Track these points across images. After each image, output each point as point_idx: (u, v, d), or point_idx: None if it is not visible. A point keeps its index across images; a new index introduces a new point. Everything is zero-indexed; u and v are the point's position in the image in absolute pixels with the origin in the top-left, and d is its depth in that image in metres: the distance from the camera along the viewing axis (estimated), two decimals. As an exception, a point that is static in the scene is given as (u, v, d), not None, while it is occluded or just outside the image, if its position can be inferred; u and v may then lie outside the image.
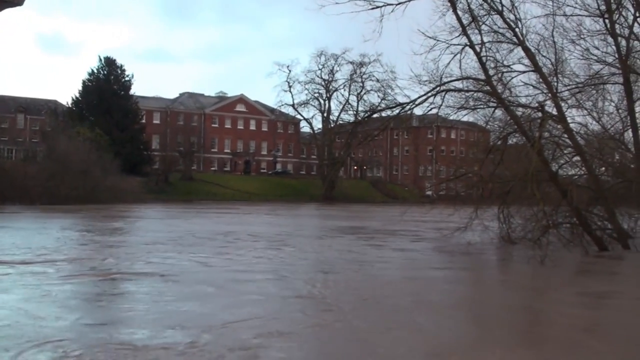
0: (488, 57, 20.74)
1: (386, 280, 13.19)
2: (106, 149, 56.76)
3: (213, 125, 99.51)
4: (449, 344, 7.54)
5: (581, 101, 22.58)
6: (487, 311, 10.21)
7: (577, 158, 20.94)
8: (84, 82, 72.22)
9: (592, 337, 8.46)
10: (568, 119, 20.83)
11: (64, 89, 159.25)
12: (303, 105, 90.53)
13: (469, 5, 20.38)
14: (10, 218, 31.21)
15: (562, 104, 20.72)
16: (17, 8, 11.26)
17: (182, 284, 11.40)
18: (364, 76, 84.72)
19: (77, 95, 72.06)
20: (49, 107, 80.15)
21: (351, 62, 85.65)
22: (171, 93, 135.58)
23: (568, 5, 20.94)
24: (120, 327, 7.91)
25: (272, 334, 7.58)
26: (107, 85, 71.35)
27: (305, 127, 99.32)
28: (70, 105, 72.74)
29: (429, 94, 20.32)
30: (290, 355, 6.82)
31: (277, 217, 42.06)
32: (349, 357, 6.85)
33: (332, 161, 76.65)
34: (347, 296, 10.87)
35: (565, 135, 20.46)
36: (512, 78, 21.76)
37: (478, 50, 20.38)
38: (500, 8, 20.36)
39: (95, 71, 72.48)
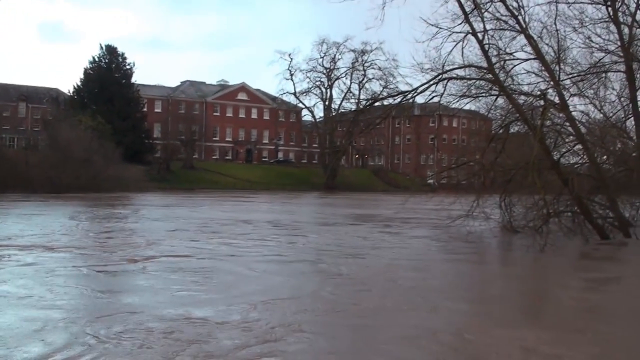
0: (490, 45, 20.67)
1: (403, 264, 13.78)
2: (108, 138, 56.77)
3: (215, 113, 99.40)
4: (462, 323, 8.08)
5: (583, 89, 22.52)
6: (493, 294, 10.71)
7: (579, 146, 20.90)
8: (85, 70, 72.27)
9: (595, 319, 8.66)
10: (570, 107, 20.77)
11: (66, 78, 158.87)
12: (305, 94, 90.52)
13: (471, -7, 20.28)
14: (27, 205, 31.35)
15: (564, 92, 20.65)
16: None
17: (220, 270, 11.85)
18: (366, 64, 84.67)
19: (79, 83, 72.10)
20: (51, 96, 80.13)
21: (353, 50, 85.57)
22: (172, 81, 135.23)
23: (571, -7, 20.84)
24: (198, 306, 8.41)
25: (314, 311, 8.41)
26: (108, 73, 71.31)
27: (307, 116, 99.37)
28: (71, 94, 72.76)
29: (431, 82, 20.26)
30: (330, 330, 7.48)
31: (287, 205, 42.88)
32: (379, 331, 7.50)
33: (334, 150, 76.58)
34: (374, 278, 11.53)
35: (567, 124, 20.42)
36: (515, 66, 21.72)
37: (480, 38, 20.29)
38: (503, -5, 20.26)
39: (97, 59, 72.48)
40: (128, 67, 73.64)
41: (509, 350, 6.73)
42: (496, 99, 22.13)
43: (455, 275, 12.84)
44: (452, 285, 11.46)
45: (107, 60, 72.45)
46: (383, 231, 21.97)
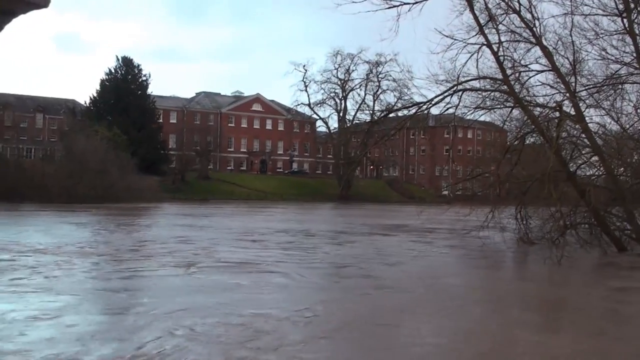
0: (505, 57, 20.70)
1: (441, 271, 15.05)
2: (123, 148, 57.19)
3: (229, 124, 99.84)
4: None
5: (599, 101, 22.42)
6: (516, 301, 11.31)
7: (596, 158, 20.84)
8: (101, 81, 72.95)
9: (614, 325, 8.94)
10: (586, 118, 20.71)
11: (82, 89, 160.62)
12: (319, 105, 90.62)
13: (486, 4, 20.35)
14: (67, 215, 31.93)
15: (580, 104, 20.60)
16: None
17: (279, 274, 13.05)
18: (380, 75, 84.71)
19: (95, 94, 72.76)
20: (67, 107, 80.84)
21: (367, 62, 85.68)
22: (187, 92, 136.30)
23: (586, 5, 20.79)
24: (278, 303, 9.78)
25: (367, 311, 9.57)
26: (124, 84, 71.94)
27: (321, 127, 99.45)
28: (88, 105, 73.40)
29: (446, 94, 20.31)
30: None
31: (310, 215, 44.04)
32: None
33: (349, 161, 76.64)
34: (413, 282, 12.77)
35: (584, 135, 20.36)
36: (530, 78, 21.72)
37: (495, 49, 20.33)
38: (517, 7, 20.30)
39: (113, 70, 73.16)
40: (144, 78, 74.28)
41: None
42: (511, 110, 22.16)
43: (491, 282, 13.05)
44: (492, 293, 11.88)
45: (123, 72, 73.11)
46: (416, 240, 22.93)
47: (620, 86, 22.60)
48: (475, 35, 20.28)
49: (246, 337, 7.46)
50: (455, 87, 20.33)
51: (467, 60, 20.55)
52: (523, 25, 20.42)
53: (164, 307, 8.99)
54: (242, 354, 6.74)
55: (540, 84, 22.00)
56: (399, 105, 65.35)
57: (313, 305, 9.66)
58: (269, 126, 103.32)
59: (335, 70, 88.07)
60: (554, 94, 21.66)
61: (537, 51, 20.81)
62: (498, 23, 20.50)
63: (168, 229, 25.55)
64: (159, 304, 9.32)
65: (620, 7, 20.66)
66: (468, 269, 16.06)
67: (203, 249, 17.60)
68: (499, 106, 22.17)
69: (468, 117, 23.01)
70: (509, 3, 20.34)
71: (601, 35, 21.38)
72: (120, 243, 18.81)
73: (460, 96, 20.63)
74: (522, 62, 21.18)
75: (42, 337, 7.22)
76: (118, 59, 73.63)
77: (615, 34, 21.54)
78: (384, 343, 7.47)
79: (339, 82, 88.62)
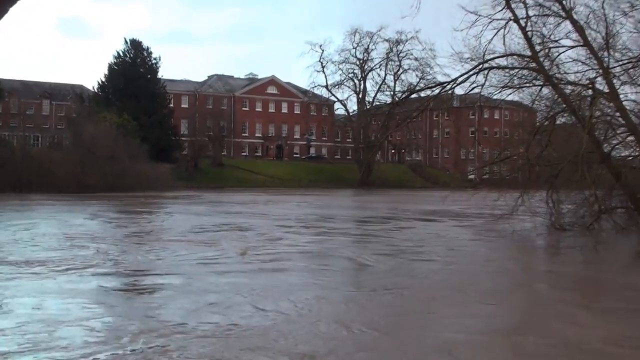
0: (534, 32, 20.47)
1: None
2: (133, 135, 57.50)
3: (243, 108, 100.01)
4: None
5: (635, 77, 22.06)
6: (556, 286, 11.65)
7: (631, 138, 20.53)
8: (110, 65, 73.17)
9: None
10: (621, 96, 20.40)
11: (89, 74, 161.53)
12: (337, 86, 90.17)
13: (512, -23, 20.10)
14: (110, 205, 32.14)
15: (614, 81, 20.29)
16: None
17: (344, 258, 14.05)
18: (401, 55, 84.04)
19: (103, 79, 73.06)
20: (75, 92, 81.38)
21: (387, 40, 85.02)
22: (200, 76, 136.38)
23: (620, -26, 20.46)
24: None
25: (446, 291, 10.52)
26: (133, 68, 72.18)
27: (339, 109, 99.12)
28: (96, 90, 73.79)
29: (471, 73, 20.19)
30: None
31: (342, 201, 45.08)
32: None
33: (369, 144, 76.43)
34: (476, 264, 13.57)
35: (618, 114, 20.09)
36: (560, 54, 21.40)
37: (523, 24, 20.11)
38: (546, -21, 20.04)
39: (122, 54, 73.37)
40: (153, 61, 74.44)
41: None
42: (541, 89, 21.91)
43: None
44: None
45: (131, 55, 73.32)
46: (461, 225, 23.54)
47: (657, 61, 22.26)
48: (502, 10, 20.10)
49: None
50: (480, 66, 20.18)
51: (493, 37, 20.39)
52: (552, -2, 20.15)
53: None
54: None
55: (571, 60, 21.68)
56: (422, 85, 65.12)
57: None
58: (284, 110, 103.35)
59: (354, 50, 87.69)
60: (586, 70, 21.35)
61: (567, 26, 20.54)
62: (526, -4, 20.25)
63: (221, 216, 26.74)
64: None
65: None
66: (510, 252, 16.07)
67: (263, 234, 18.60)
68: (527, 84, 21.96)
69: (495, 97, 22.84)
70: (537, -26, 20.09)
71: (636, 7, 21.02)
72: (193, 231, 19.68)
73: (486, 75, 20.49)
74: (552, 37, 20.91)
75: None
76: (126, 42, 73.88)
77: (652, 5, 21.18)
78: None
79: (357, 62, 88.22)
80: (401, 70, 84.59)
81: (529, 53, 20.23)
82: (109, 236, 18.49)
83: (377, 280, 11.12)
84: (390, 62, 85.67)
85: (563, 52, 21.29)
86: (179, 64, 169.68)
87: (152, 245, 15.81)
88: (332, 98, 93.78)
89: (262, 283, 10.70)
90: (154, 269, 12.19)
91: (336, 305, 9.02)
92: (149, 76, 73.40)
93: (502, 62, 20.87)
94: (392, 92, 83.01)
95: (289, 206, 35.86)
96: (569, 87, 20.88)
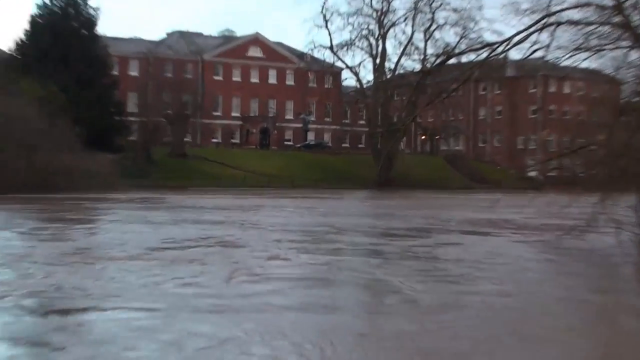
0: (619, -27, 20.53)
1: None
2: (62, 114, 57.32)
3: (215, 77, 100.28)
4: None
5: None
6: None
7: None
8: (31, 18, 73.23)
9: None
10: None
11: (3, 31, 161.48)
12: (346, 48, 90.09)
13: None
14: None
15: None
16: None
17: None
18: (435, 4, 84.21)
19: (23, 37, 73.06)
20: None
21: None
22: (155, 33, 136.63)
23: None
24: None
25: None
26: (63, 22, 72.08)
27: (348, 79, 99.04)
28: (11, 52, 73.79)
29: (532, 29, 20.22)
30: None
31: (365, 207, 46.62)
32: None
33: (390, 128, 76.43)
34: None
35: None
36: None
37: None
38: None
39: (48, 3, 73.31)
40: (91, 12, 74.58)
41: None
42: (628, 51, 21.98)
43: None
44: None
45: (61, 4, 73.29)
46: (523, 241, 23.75)
47: None
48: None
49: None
50: (544, 20, 20.23)
51: (563, -21, 20.45)
52: None
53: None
54: None
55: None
56: (463, 47, 65.29)
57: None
58: (272, 79, 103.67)
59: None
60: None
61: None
62: None
63: (195, 227, 26.78)
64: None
65: None
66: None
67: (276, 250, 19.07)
68: (609, 46, 22.03)
69: (564, 64, 22.90)
70: None
71: None
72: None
73: (553, 32, 20.55)
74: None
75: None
76: (54, -12, 73.95)
77: None
78: None
79: (374, 15, 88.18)
80: (435, 26, 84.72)
81: (611, 3, 20.31)
82: (37, 254, 18.62)
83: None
84: (419, 14, 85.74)
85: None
86: (127, 17, 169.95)
87: (103, 264, 15.78)
88: (339, 63, 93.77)
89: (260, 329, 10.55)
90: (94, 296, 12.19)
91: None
92: (84, 32, 73.39)
93: (575, 15, 20.94)
94: (422, 57, 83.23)
95: (284, 213, 35.94)
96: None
